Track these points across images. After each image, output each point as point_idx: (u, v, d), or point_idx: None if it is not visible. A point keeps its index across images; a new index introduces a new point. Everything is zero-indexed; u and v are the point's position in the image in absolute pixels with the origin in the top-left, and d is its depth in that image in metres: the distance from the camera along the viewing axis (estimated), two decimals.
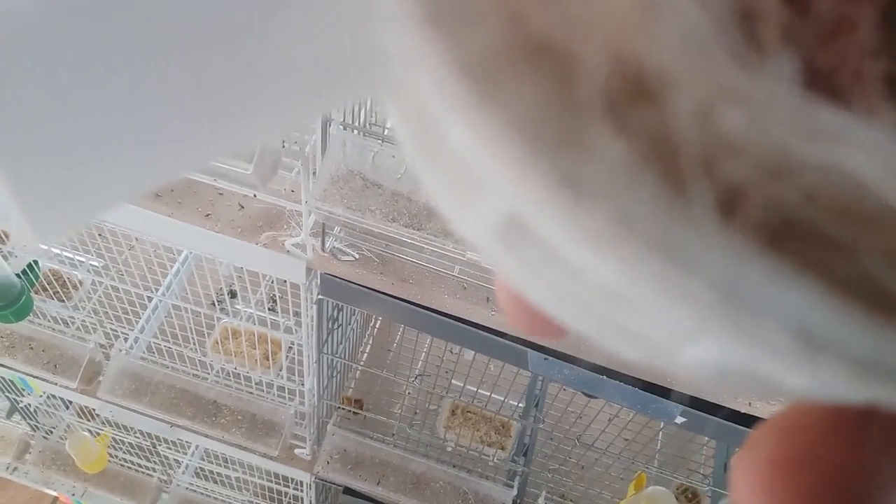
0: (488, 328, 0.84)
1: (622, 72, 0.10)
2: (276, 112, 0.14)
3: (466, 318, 0.83)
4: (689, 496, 1.27)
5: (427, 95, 0.11)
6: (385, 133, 0.75)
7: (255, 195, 0.85)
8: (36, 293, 1.15)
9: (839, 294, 0.10)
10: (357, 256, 0.82)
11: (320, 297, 0.90)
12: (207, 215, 0.85)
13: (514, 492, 1.21)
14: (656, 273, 0.10)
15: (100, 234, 1.08)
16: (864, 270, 0.10)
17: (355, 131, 0.75)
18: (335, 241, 0.83)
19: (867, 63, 0.11)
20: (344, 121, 0.73)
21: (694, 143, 0.10)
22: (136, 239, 1.15)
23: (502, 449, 1.25)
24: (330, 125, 0.72)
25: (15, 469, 1.72)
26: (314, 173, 0.75)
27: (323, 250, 0.82)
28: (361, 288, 0.83)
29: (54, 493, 1.78)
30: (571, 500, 1.38)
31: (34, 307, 1.10)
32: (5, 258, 1.01)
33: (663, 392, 0.86)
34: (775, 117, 0.10)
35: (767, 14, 0.11)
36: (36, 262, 1.11)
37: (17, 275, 1.03)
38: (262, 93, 0.13)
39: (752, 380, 0.12)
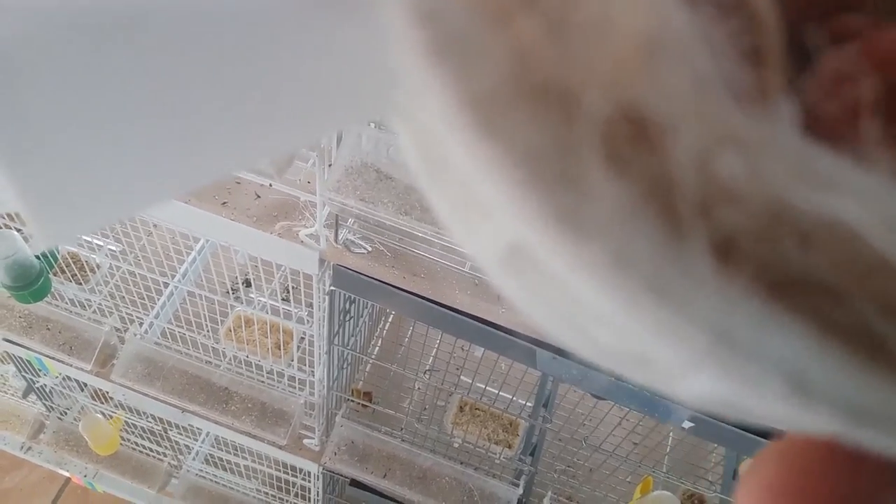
0: (498, 325, 0.84)
1: (623, 114, 0.11)
2: (289, 129, 0.14)
3: (476, 315, 0.83)
4: (696, 502, 1.26)
5: (433, 124, 0.12)
6: None
7: (271, 185, 0.85)
8: (54, 275, 1.17)
9: (832, 341, 0.10)
10: (369, 249, 0.83)
11: (332, 288, 0.90)
12: (224, 203, 0.86)
13: (520, 491, 1.21)
14: (651, 313, 0.11)
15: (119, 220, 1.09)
16: (856, 318, 0.10)
17: (371, 124, 0.76)
18: (348, 232, 0.83)
19: (867, 111, 0.12)
20: None
21: (692, 188, 0.10)
22: (155, 225, 1.16)
23: (509, 447, 1.25)
24: None
25: (29, 448, 1.75)
26: (329, 165, 0.75)
27: (336, 242, 0.83)
28: (373, 281, 0.84)
29: (67, 474, 1.80)
30: (577, 502, 1.38)
31: (52, 289, 1.11)
32: (25, 240, 1.03)
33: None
34: (774, 163, 0.11)
35: (771, 59, 0.11)
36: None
37: (37, 256, 1.05)
38: (277, 110, 0.13)
39: (747, 412, 0.12)
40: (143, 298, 1.23)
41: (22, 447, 1.74)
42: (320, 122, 0.14)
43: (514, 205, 0.11)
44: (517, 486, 1.21)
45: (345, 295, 0.96)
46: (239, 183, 0.87)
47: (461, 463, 1.24)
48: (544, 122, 0.11)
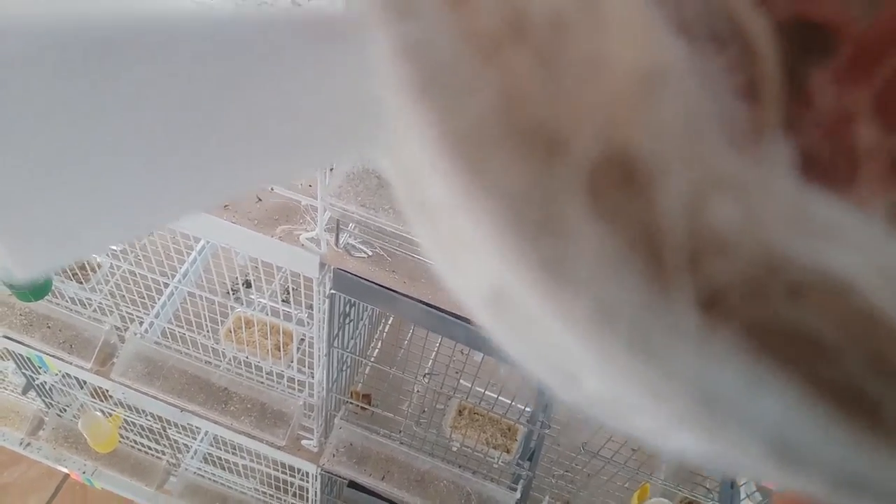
0: None
1: (611, 156, 0.10)
2: (272, 162, 0.14)
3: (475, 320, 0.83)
4: None
5: (418, 162, 0.11)
6: None
7: (272, 189, 0.85)
8: (55, 274, 1.17)
9: (821, 402, 0.10)
10: (370, 253, 0.83)
11: (332, 291, 0.90)
12: (226, 206, 0.86)
13: (518, 495, 1.21)
14: (630, 370, 0.10)
15: None
16: (849, 377, 0.10)
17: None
18: (349, 237, 0.83)
19: (865, 152, 0.11)
20: None
21: (680, 237, 0.10)
22: None
23: (507, 452, 1.25)
24: None
25: (28, 444, 1.75)
26: (331, 170, 0.75)
27: (336, 246, 0.83)
28: (373, 285, 0.84)
29: (65, 470, 1.80)
30: None
31: (53, 287, 1.12)
32: None
33: None
34: (767, 210, 0.10)
35: (767, 95, 0.11)
36: None
37: None
38: (260, 143, 0.13)
39: (733, 469, 0.12)
40: (144, 298, 1.23)
41: (21, 443, 1.75)
42: (305, 155, 0.14)
43: (495, 249, 0.10)
44: (515, 490, 1.21)
45: (345, 298, 0.96)
46: None
47: (459, 466, 1.24)
48: (529, 164, 0.10)
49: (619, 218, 0.10)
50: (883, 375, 0.10)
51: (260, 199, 0.87)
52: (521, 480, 1.22)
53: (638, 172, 0.10)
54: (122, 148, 0.12)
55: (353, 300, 1.01)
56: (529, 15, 0.10)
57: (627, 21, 0.10)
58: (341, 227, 0.82)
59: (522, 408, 1.25)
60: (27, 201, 0.12)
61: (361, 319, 1.21)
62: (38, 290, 1.05)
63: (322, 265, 0.86)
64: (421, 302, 0.83)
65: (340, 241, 0.82)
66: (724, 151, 0.10)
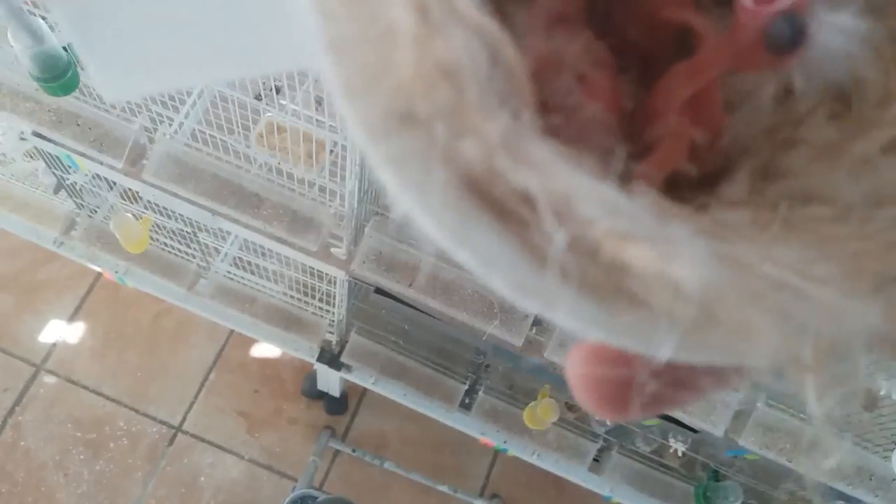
0: None
1: (403, 113, 0.17)
2: (245, 58, 0.24)
3: None
4: None
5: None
6: None
7: None
8: (82, 69, 1.14)
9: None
10: None
11: None
12: None
13: None
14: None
15: None
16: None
17: None
18: None
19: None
20: None
21: (448, 153, 0.16)
22: None
23: None
24: None
25: (62, 244, 1.81)
26: None
27: None
28: None
29: (99, 269, 1.87)
30: None
31: (81, 83, 1.09)
32: (52, 29, 0.99)
33: None
34: (499, 146, 0.16)
35: (515, 88, 0.17)
36: None
37: (64, 48, 1.01)
38: (238, 44, 0.23)
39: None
40: (173, 99, 1.21)
41: (55, 242, 1.80)
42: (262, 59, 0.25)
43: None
44: None
45: None
46: None
47: None
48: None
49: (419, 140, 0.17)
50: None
51: None
52: None
53: (420, 118, 0.16)
54: (181, 21, 0.22)
55: None
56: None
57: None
58: None
59: None
60: (124, 41, 0.20)
61: None
62: (67, 84, 1.03)
63: None
64: None
65: None
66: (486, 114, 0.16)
